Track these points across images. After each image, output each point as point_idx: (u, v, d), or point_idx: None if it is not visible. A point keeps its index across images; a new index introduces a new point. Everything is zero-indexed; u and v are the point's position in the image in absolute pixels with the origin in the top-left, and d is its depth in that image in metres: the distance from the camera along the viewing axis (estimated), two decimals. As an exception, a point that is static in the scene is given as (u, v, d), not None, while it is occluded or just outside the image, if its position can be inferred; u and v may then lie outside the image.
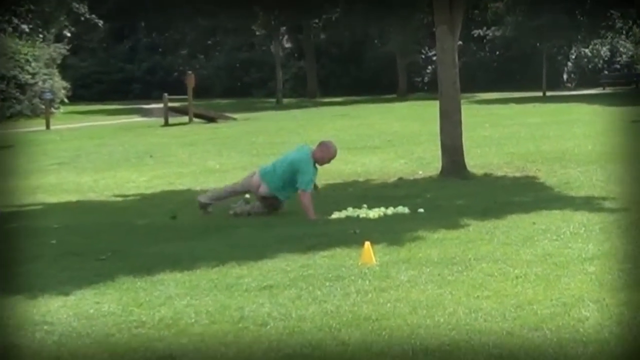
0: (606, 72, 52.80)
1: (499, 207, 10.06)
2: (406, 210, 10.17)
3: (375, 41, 52.68)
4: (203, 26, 52.28)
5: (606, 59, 54.03)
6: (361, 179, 13.84)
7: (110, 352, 5.10)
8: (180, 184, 14.23)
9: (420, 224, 8.93)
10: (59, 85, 36.71)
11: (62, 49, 37.50)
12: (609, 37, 49.26)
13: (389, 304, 5.81)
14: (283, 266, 7.10)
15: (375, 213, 10.02)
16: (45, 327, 5.62)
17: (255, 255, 7.51)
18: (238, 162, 17.05)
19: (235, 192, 10.68)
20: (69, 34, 38.41)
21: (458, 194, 11.66)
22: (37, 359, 5.10)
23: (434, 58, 38.33)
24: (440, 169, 13.69)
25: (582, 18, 42.32)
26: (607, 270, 6.57)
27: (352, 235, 8.34)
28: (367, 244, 7.26)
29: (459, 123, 13.73)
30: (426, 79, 51.61)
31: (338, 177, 13.85)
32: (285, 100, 44.14)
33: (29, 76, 34.42)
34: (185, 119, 29.91)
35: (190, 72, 35.25)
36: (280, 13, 44.56)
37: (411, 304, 5.80)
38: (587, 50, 52.57)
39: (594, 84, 49.63)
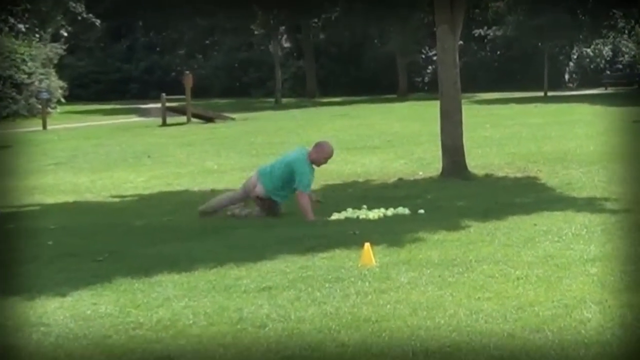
0: (608, 72, 52.87)
1: (500, 208, 10.05)
2: (406, 211, 10.14)
3: (375, 41, 52.75)
4: (201, 26, 52.36)
5: (608, 58, 54.11)
6: (361, 180, 13.82)
7: (107, 353, 5.08)
8: (178, 185, 14.21)
9: (421, 225, 8.90)
10: (56, 84, 36.76)
11: (58, 48, 37.53)
12: (611, 36, 49.34)
13: (389, 306, 5.79)
14: (282, 267, 7.08)
15: (375, 214, 10.00)
16: (42, 328, 5.60)
17: (254, 257, 7.49)
18: (236, 162, 17.03)
19: (235, 199, 10.63)
20: (65, 34, 38.34)
21: (459, 194, 11.64)
22: (34, 361, 5.07)
23: (435, 58, 38.39)
24: (440, 169, 13.67)
25: (584, 17, 42.35)
26: (609, 271, 6.56)
27: (352, 236, 8.32)
28: (367, 245, 7.23)
29: (459, 123, 13.71)
30: (426, 79, 51.66)
31: (337, 177, 13.83)
32: (284, 100, 44.16)
33: (26, 76, 34.45)
34: (183, 119, 29.91)
35: (188, 71, 35.24)
36: (279, 12, 44.59)
37: (411, 305, 5.78)
38: (589, 50, 52.64)
39: (596, 84, 49.68)
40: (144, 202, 12.44)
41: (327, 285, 6.41)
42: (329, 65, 52.81)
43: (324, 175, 12.79)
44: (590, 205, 10.11)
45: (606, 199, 10.54)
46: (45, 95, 32.46)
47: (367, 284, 6.41)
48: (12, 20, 30.88)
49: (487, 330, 5.20)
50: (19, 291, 6.55)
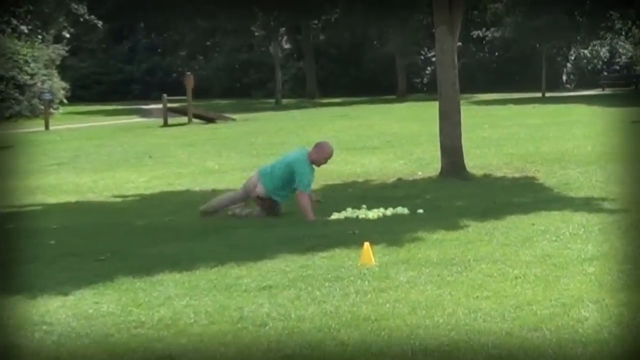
0: (605, 73, 52.87)
1: (498, 208, 10.07)
2: (405, 211, 10.17)
3: (375, 42, 52.71)
4: (202, 27, 52.36)
5: (605, 60, 54.10)
6: (360, 180, 13.85)
7: (109, 352, 5.10)
8: (180, 185, 14.24)
9: (420, 224, 8.93)
10: (58, 85, 36.79)
11: (61, 49, 37.56)
12: (609, 38, 49.32)
13: (388, 305, 5.81)
14: (282, 267, 7.10)
15: (374, 214, 10.02)
16: (45, 327, 5.62)
17: (254, 256, 7.51)
18: (237, 162, 17.06)
19: (236, 199, 10.66)
20: (68, 35, 38.44)
21: (457, 194, 11.67)
22: (36, 359, 5.10)
23: (433, 59, 38.39)
24: (439, 169, 13.70)
25: (581, 19, 42.35)
26: (606, 270, 6.58)
27: (352, 236, 8.34)
28: (367, 244, 7.26)
29: (458, 124, 13.74)
30: (425, 80, 51.64)
31: (337, 177, 13.86)
32: (285, 101, 44.16)
33: (28, 77, 34.48)
34: (185, 119, 29.93)
35: (189, 72, 35.29)
36: (280, 14, 44.57)
37: (410, 304, 5.80)
38: (586, 51, 52.64)
39: (593, 85, 49.69)
40: (145, 202, 12.46)
41: (327, 284, 6.43)
42: (328, 67, 52.81)
43: (324, 175, 12.83)
44: (587, 205, 10.13)
45: (603, 199, 10.56)
46: (47, 96, 32.50)
47: (366, 283, 6.43)
48: (14, 21, 30.98)
49: (486, 329, 5.23)
50: (21, 290, 6.58)
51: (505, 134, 20.45)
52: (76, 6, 34.49)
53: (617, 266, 6.71)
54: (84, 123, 32.48)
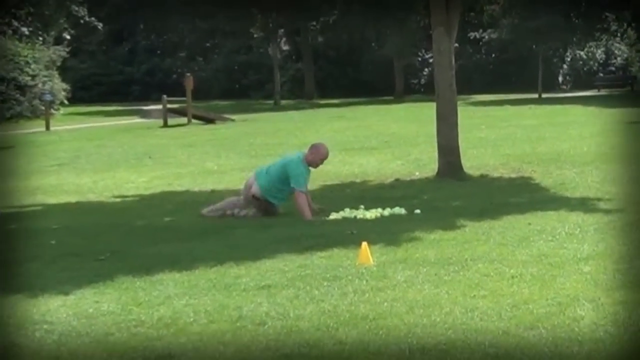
0: (601, 74, 52.95)
1: (495, 208, 10.09)
2: (403, 211, 10.19)
3: (373, 44, 52.72)
4: (201, 29, 52.32)
5: (601, 61, 54.23)
6: (358, 180, 13.88)
7: (109, 351, 5.12)
8: (179, 185, 14.26)
9: (417, 224, 8.96)
10: (59, 87, 36.86)
11: (61, 51, 37.65)
12: (604, 39, 49.40)
13: (385, 304, 5.84)
14: (281, 266, 7.13)
15: (372, 214, 10.05)
16: (45, 326, 5.64)
17: (253, 256, 7.54)
18: (236, 163, 17.08)
19: (237, 204, 10.68)
20: (68, 37, 38.53)
21: (454, 195, 11.70)
22: (36, 358, 5.11)
23: (431, 60, 38.31)
24: (436, 170, 13.73)
25: (577, 20, 42.39)
26: (602, 270, 6.60)
27: (350, 235, 8.37)
28: (364, 244, 7.28)
29: (455, 125, 13.77)
30: (423, 81, 51.73)
31: (335, 178, 13.88)
32: (283, 102, 44.18)
33: (29, 78, 34.56)
34: (184, 120, 29.95)
35: (189, 74, 35.33)
36: (278, 15, 44.53)
37: (408, 303, 5.82)
38: (582, 53, 52.75)
39: (589, 86, 49.77)
40: (145, 203, 12.48)
41: (325, 283, 6.46)
42: (327, 68, 52.86)
43: (322, 176, 12.89)
44: (583, 205, 10.16)
45: (599, 199, 10.58)
46: (48, 97, 32.58)
47: (364, 282, 6.45)
48: (15, 23, 31.06)
49: (482, 327, 5.24)
50: (22, 290, 6.60)
51: (501, 134, 20.49)
52: (76, 8, 34.56)
53: (613, 265, 6.73)
54: (84, 124, 32.50)
